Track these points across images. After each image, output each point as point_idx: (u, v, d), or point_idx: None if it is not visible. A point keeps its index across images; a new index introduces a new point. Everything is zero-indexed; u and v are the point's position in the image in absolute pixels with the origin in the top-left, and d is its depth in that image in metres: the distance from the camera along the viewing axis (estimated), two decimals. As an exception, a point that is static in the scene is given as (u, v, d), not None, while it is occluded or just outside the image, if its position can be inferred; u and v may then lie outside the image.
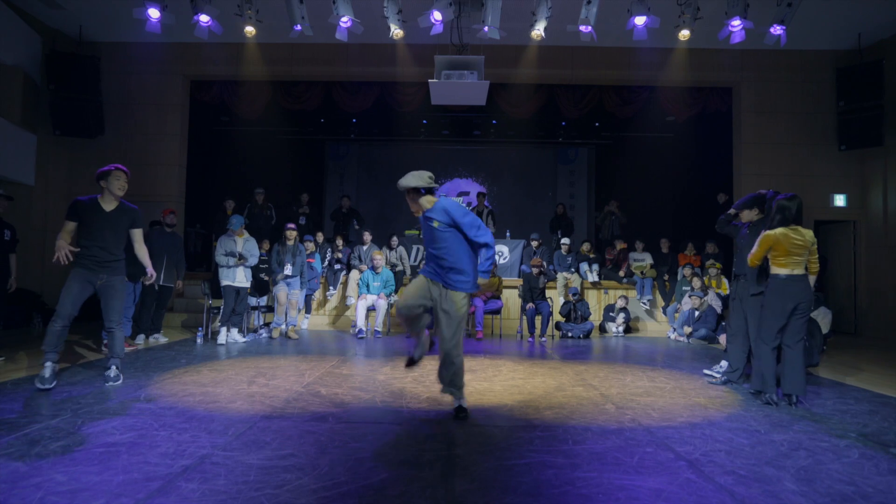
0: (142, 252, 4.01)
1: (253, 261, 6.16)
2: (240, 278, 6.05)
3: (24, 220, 6.05)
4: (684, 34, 6.83)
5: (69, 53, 8.13)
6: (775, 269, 3.60)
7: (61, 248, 3.58)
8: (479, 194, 10.04)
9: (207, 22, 6.54)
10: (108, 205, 3.79)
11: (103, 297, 3.80)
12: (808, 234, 3.59)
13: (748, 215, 4.14)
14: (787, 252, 3.54)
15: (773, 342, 3.61)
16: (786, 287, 3.54)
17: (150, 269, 4.12)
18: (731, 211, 4.31)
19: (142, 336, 5.91)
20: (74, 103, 8.06)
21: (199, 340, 6.06)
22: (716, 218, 4.52)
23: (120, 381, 3.83)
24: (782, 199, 3.63)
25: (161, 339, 6.11)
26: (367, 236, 8.05)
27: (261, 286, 6.95)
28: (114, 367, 3.84)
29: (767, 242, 3.60)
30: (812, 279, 3.63)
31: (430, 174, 3.20)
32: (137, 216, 3.95)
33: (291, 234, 6.63)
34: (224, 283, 6.00)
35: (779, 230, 3.58)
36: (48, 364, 3.60)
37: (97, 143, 8.48)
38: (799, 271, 3.56)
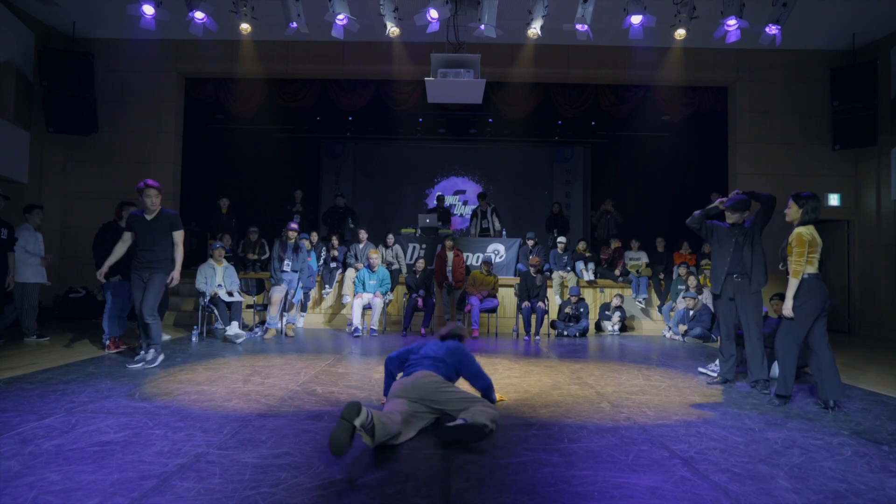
0: (178, 253, 4.61)
1: (235, 289, 6.46)
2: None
3: (17, 217, 6.03)
4: (680, 33, 6.85)
5: (62, 50, 8.07)
6: (808, 269, 3.48)
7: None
8: (479, 195, 10.00)
9: (202, 19, 6.50)
10: (149, 215, 4.51)
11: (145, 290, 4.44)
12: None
13: (739, 217, 4.06)
14: (816, 250, 3.48)
15: (800, 343, 3.49)
16: (819, 287, 3.45)
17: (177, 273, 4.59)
18: (720, 206, 4.14)
19: None
20: (68, 100, 8.00)
21: (194, 338, 6.05)
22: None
23: (157, 363, 4.40)
24: (813, 199, 3.53)
25: (164, 336, 6.13)
26: (363, 234, 8.05)
27: (256, 284, 6.95)
28: (152, 351, 4.40)
29: (805, 240, 3.46)
30: None
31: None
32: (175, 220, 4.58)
33: (292, 235, 6.63)
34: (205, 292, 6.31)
35: (810, 228, 3.50)
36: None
37: (91, 140, 8.44)
38: (817, 270, 3.49)
